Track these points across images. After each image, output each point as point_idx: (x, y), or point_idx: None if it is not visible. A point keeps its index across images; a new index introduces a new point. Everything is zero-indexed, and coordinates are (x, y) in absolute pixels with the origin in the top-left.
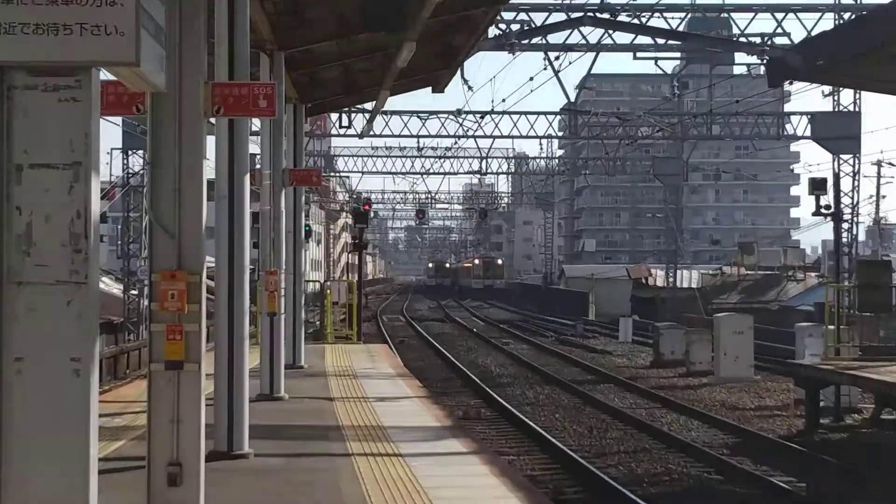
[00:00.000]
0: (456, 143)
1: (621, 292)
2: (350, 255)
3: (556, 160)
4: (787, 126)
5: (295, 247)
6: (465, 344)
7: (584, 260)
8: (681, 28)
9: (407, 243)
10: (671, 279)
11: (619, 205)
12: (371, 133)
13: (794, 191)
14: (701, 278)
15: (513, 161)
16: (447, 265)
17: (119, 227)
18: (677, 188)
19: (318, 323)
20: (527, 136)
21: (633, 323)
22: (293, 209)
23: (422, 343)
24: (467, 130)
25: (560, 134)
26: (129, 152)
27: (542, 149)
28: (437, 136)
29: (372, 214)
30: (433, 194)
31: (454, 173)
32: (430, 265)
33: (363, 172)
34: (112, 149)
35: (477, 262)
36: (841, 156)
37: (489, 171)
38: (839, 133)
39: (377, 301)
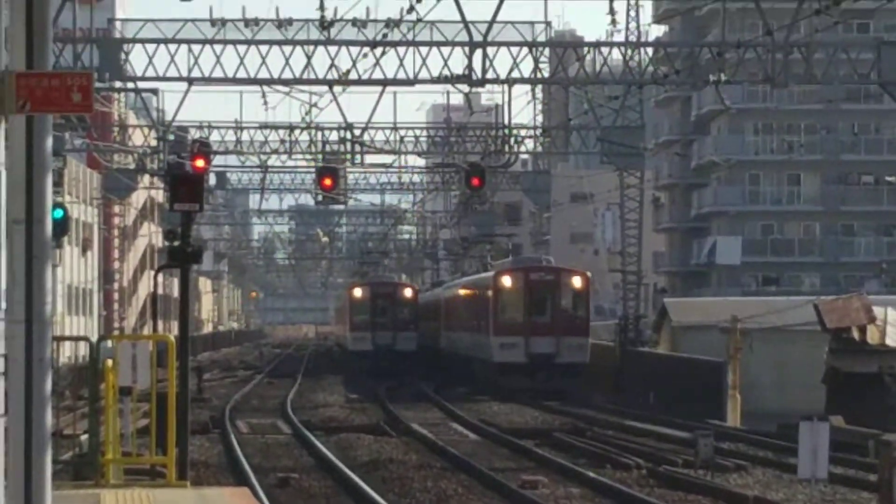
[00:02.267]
0: (413, 7)
1: (803, 360)
2: (161, 275)
3: (648, 52)
4: None
5: (31, 256)
6: (434, 487)
7: (716, 285)
8: None
9: (296, 249)
10: None
11: (799, 157)
12: None
13: None
14: None
15: (546, 53)
16: (405, 293)
17: None
18: None
19: (83, 439)
20: None
21: (829, 433)
22: (28, 167)
23: (332, 485)
24: None
25: None
26: None
27: (614, 25)
28: None
29: (213, 181)
30: (357, 132)
31: (408, 82)
32: (357, 294)
33: (191, 80)
34: None
35: (508, 281)
36: None
37: (490, 75)
38: None
39: (226, 387)
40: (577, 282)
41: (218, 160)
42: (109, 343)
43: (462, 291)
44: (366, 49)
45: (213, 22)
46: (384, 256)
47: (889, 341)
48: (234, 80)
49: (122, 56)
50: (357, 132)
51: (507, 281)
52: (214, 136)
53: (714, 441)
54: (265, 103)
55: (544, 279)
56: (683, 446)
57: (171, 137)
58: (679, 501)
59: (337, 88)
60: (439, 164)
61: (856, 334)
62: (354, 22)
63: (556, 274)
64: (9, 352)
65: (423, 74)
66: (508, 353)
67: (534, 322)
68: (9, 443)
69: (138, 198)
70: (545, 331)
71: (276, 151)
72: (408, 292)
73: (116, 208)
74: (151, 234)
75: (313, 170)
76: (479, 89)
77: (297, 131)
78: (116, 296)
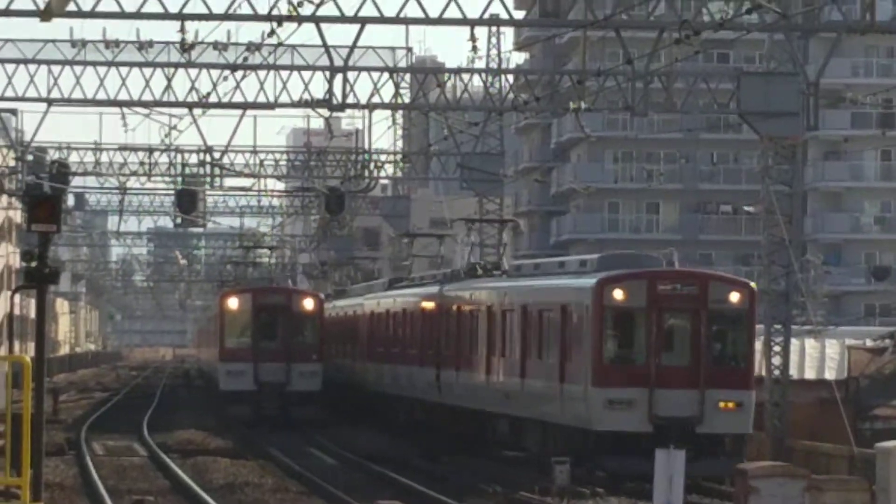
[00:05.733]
0: (274, 31)
1: None
2: (18, 296)
3: (509, 79)
4: None
5: None
6: None
7: None
8: None
9: (154, 271)
10: (778, 359)
11: (658, 185)
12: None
13: None
14: (848, 356)
15: (407, 78)
16: (304, 304)
17: None
18: (792, 148)
19: None
20: (440, 21)
21: (684, 461)
22: None
23: None
24: (299, 4)
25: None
26: None
27: (475, 52)
28: (225, 16)
29: (72, 202)
30: (217, 155)
31: (268, 106)
32: (233, 305)
33: (50, 101)
34: None
35: (620, 294)
36: None
37: (350, 99)
38: None
39: (81, 409)
40: (734, 297)
41: (77, 181)
42: None
43: (456, 306)
44: (226, 72)
45: (73, 43)
46: (242, 279)
47: None
48: (94, 102)
49: None
50: (217, 155)
51: (618, 294)
52: (73, 157)
53: (570, 467)
54: (125, 125)
55: (681, 292)
56: (540, 472)
57: (30, 158)
58: None
59: (197, 111)
60: (299, 188)
61: None
62: (215, 45)
63: (700, 284)
64: None
65: (284, 98)
66: (622, 416)
67: (663, 366)
68: None
69: None
70: (684, 380)
71: (135, 173)
72: (308, 303)
73: None
74: (9, 255)
75: (172, 192)
76: (340, 114)
77: (156, 153)
78: None
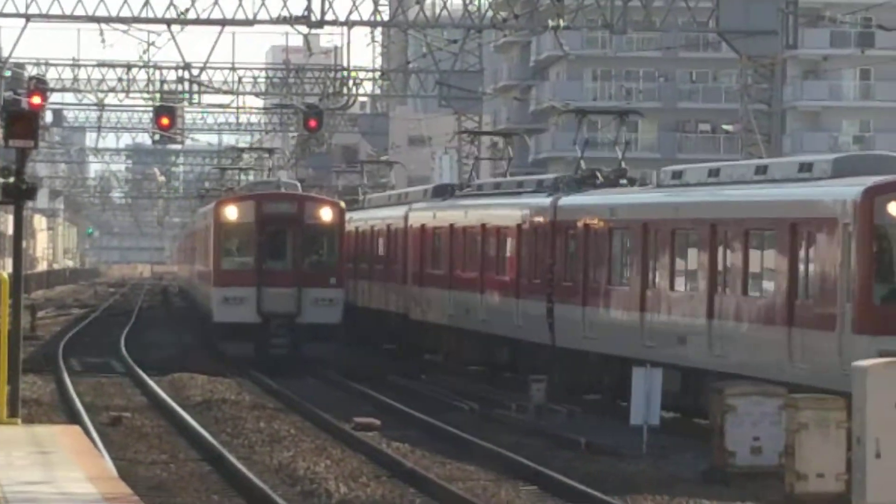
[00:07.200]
0: None
1: None
2: None
3: None
4: None
5: None
6: (267, 427)
7: None
8: None
9: (132, 188)
10: None
11: (637, 103)
12: None
13: None
14: None
15: None
16: (320, 214)
17: None
18: (771, 67)
19: None
20: None
21: (661, 379)
22: None
23: (165, 424)
24: None
25: None
26: None
27: None
28: None
29: (50, 118)
30: (195, 72)
31: (247, 22)
32: (231, 215)
33: (28, 17)
34: None
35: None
36: None
37: (329, 16)
38: None
39: (59, 325)
40: None
41: (55, 97)
42: None
43: (583, 222)
44: None
45: None
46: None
47: None
48: (72, 17)
49: None
50: (195, 72)
51: (894, 208)
52: (51, 74)
53: (547, 386)
54: (103, 41)
55: None
56: (518, 391)
57: (8, 74)
58: (513, 446)
59: (175, 27)
60: (277, 105)
61: None
62: None
63: None
64: None
65: (263, 15)
66: None
67: None
68: None
69: None
70: None
71: (113, 90)
72: (325, 213)
73: None
74: None
75: (151, 109)
76: (319, 31)
77: (134, 70)
78: None
